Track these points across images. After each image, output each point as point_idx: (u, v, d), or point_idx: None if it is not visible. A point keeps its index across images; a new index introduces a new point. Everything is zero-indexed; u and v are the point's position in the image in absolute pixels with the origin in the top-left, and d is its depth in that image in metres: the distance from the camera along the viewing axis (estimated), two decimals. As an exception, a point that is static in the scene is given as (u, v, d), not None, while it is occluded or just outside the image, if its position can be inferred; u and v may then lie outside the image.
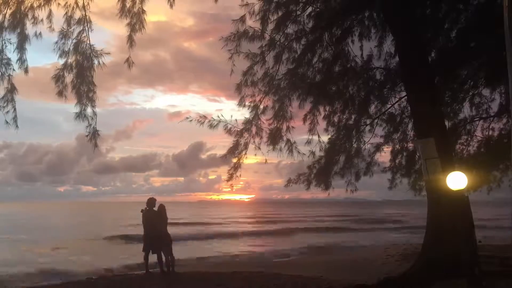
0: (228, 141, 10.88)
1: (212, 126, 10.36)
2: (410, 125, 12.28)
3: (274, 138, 11.01)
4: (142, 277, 11.01)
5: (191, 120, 10.27)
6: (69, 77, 9.15)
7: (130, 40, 8.99)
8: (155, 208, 11.52)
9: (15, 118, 9.15)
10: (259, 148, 10.92)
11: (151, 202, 11.58)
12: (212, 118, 10.34)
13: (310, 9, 10.83)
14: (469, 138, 13.38)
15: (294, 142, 11.16)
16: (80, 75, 9.05)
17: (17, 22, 8.81)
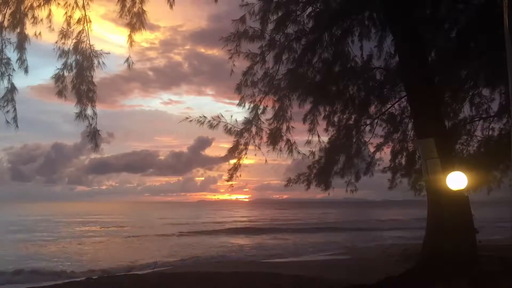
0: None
1: (212, 126, 10.34)
2: (410, 125, 12.29)
3: (274, 138, 11.01)
4: (143, 276, 10.99)
5: (190, 120, 10.26)
6: (69, 77, 9.14)
7: (130, 40, 8.98)
8: None
9: (15, 118, 9.13)
10: (259, 148, 10.93)
11: None
12: (212, 118, 10.34)
13: (310, 9, 10.85)
14: (469, 138, 13.37)
15: (294, 142, 11.18)
16: (80, 75, 9.04)
17: (17, 22, 8.79)
